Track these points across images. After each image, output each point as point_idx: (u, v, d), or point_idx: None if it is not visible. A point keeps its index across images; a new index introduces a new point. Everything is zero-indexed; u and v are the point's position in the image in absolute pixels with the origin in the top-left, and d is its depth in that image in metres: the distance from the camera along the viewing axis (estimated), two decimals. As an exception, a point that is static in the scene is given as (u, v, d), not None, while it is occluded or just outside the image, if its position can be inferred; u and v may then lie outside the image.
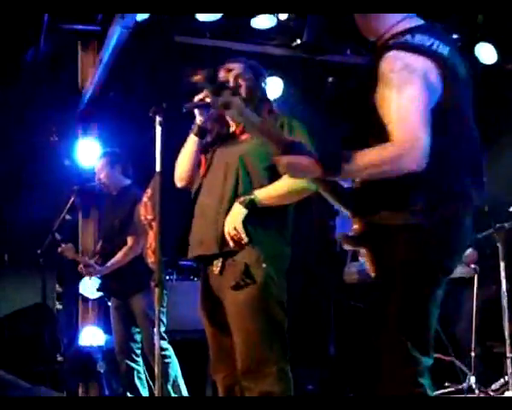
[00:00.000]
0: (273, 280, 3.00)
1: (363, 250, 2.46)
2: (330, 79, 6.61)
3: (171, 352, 4.85)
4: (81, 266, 5.01)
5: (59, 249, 5.07)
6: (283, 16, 5.64)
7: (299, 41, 5.85)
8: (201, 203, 3.13)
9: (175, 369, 4.85)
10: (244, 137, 3.15)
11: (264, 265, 2.98)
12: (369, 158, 2.25)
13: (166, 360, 4.77)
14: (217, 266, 3.05)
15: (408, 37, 2.32)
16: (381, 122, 2.26)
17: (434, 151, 2.20)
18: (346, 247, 2.52)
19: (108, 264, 4.97)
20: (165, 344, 4.80)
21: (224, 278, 3.04)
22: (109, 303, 5.07)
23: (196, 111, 3.18)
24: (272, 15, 5.55)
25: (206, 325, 3.17)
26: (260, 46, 5.91)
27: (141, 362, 4.99)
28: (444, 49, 2.33)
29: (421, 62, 2.26)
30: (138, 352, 4.98)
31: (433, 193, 2.29)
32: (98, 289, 5.15)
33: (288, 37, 5.92)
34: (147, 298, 4.71)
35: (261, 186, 3.06)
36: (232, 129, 3.24)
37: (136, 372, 4.93)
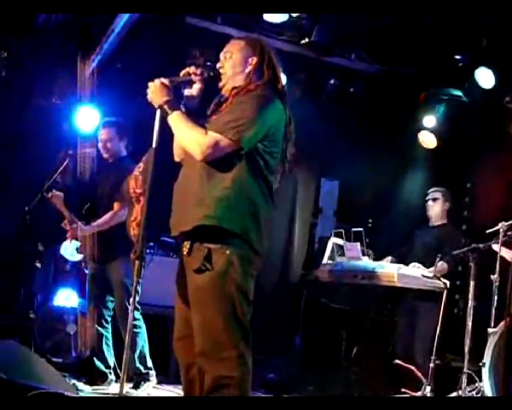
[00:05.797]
0: (234, 267, 2.99)
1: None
2: (332, 81, 6.68)
3: (141, 322, 4.97)
4: (66, 221, 5.02)
5: (49, 194, 5.03)
6: (295, 13, 5.68)
7: (307, 39, 5.89)
8: (179, 186, 3.16)
9: (143, 339, 4.97)
10: None
11: (227, 251, 2.98)
12: None
13: (136, 330, 4.90)
14: (186, 247, 3.07)
15: None
16: None
17: None
18: None
19: (93, 224, 5.02)
20: (137, 314, 4.92)
21: (190, 259, 3.06)
22: (86, 271, 5.14)
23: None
24: (285, 11, 5.60)
25: (177, 299, 3.21)
26: (269, 39, 5.96)
27: (109, 329, 5.10)
28: None
29: None
30: (109, 319, 5.10)
31: None
32: (78, 250, 5.15)
33: (298, 34, 5.97)
34: (124, 266, 4.80)
35: None
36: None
37: (104, 338, 5.05)
